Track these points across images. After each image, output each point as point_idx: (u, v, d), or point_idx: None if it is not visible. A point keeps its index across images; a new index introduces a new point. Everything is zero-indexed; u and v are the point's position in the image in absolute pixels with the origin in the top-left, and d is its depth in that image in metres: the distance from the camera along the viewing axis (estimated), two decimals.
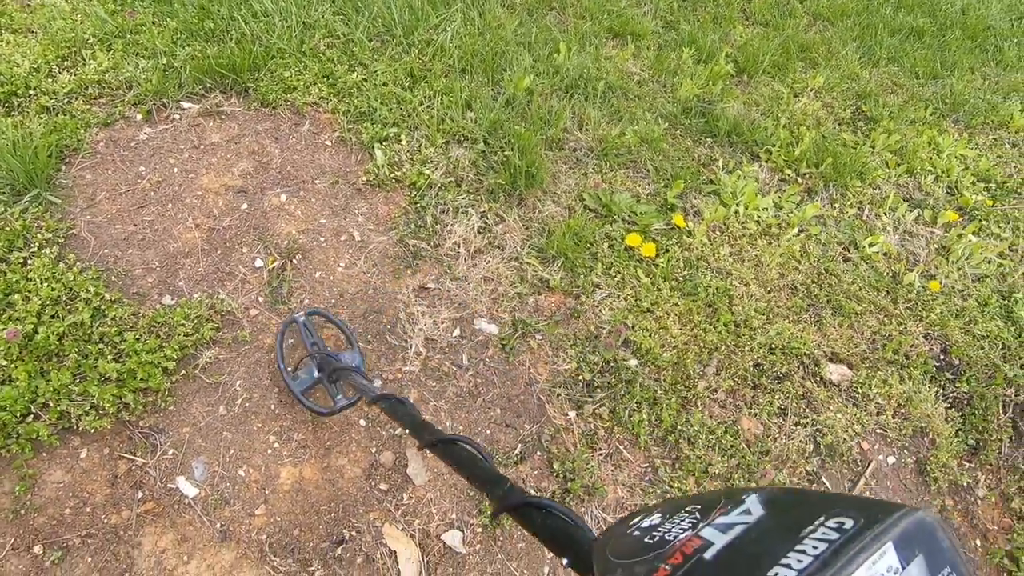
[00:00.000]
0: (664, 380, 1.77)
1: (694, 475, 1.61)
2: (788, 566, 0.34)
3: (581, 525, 0.58)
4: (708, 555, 0.40)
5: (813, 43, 3.08)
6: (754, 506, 0.42)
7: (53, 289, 1.65)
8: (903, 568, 0.33)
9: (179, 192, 2.02)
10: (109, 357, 1.61)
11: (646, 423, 1.69)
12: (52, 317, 1.63)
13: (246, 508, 1.55)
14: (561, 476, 1.63)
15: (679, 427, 1.69)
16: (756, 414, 1.76)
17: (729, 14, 3.18)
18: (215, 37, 2.43)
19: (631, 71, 2.77)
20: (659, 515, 0.47)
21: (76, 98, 2.16)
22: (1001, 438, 1.91)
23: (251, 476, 1.59)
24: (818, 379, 1.87)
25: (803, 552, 0.34)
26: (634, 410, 1.71)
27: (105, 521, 1.48)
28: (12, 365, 1.52)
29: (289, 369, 1.66)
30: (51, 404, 1.51)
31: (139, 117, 2.18)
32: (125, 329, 1.67)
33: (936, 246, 2.29)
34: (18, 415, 1.47)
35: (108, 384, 1.57)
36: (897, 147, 2.60)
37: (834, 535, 0.34)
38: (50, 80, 2.17)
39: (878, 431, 1.83)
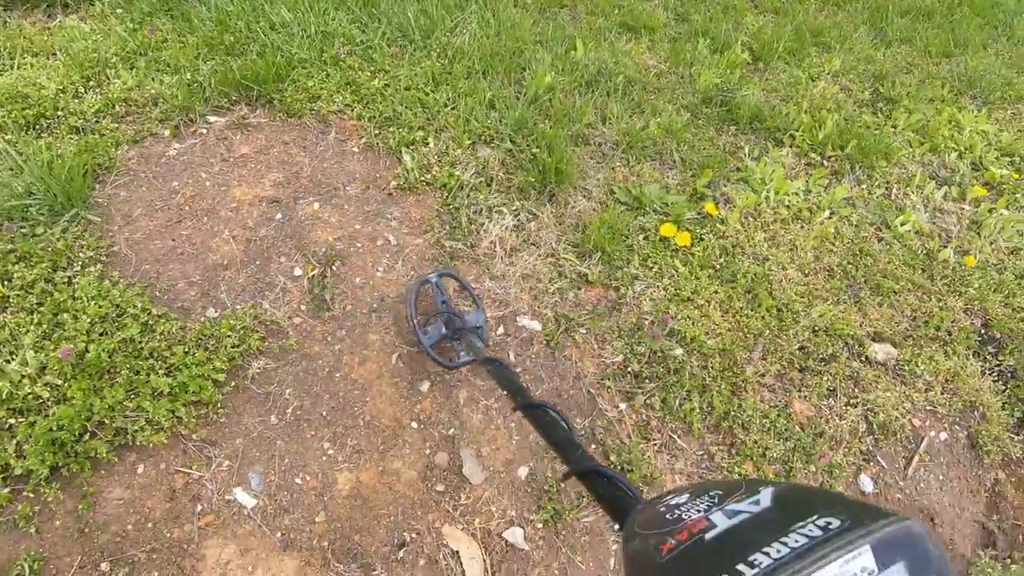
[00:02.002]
0: (712, 367, 1.77)
1: (752, 459, 1.61)
2: (768, 554, 0.36)
3: (638, 497, 0.63)
4: (708, 536, 0.43)
5: (824, 27, 3.09)
6: (765, 498, 0.44)
7: (100, 307, 1.65)
8: (879, 571, 0.34)
9: (213, 205, 2.02)
10: (160, 372, 1.61)
11: (698, 411, 1.69)
12: (102, 334, 1.63)
13: (306, 516, 1.55)
14: (618, 468, 1.63)
15: (732, 413, 1.69)
16: (806, 396, 1.76)
17: (739, 3, 3.19)
18: (236, 50, 2.44)
19: (648, 64, 2.78)
20: (687, 495, 0.50)
21: (104, 117, 2.16)
22: None
23: (308, 483, 1.59)
24: (864, 359, 1.87)
25: (785, 544, 0.37)
26: (685, 399, 1.71)
27: (167, 535, 1.47)
28: (67, 384, 1.52)
29: (418, 323, 1.70)
30: (107, 421, 1.51)
31: (167, 133, 2.19)
32: (174, 343, 1.67)
33: (967, 222, 2.30)
34: (76, 434, 1.47)
35: (161, 399, 1.57)
36: (919, 126, 2.61)
37: (817, 532, 0.36)
38: (77, 101, 2.18)
39: (928, 408, 1.83)
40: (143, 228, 1.91)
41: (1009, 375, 1.95)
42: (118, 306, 1.68)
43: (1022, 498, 1.80)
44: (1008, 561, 1.67)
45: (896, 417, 1.76)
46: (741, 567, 0.36)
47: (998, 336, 2.01)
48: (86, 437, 1.50)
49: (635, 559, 0.47)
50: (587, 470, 0.71)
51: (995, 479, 1.79)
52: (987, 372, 1.93)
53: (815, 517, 0.39)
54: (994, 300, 2.05)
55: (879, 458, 1.72)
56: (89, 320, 1.62)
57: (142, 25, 2.52)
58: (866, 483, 1.67)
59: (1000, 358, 1.97)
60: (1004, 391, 1.92)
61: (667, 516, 0.48)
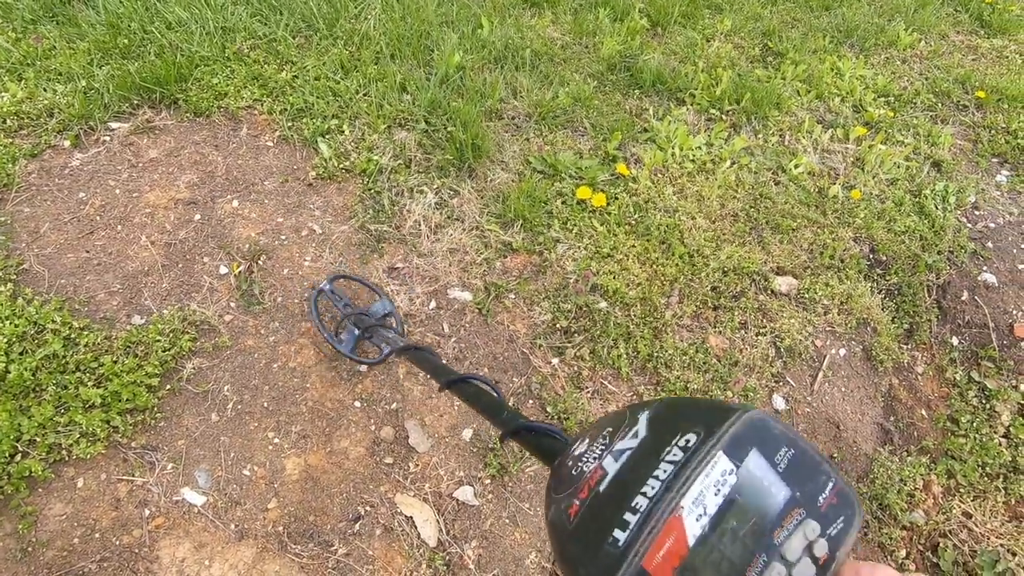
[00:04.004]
0: (634, 315, 1.90)
1: (674, 392, 1.74)
2: (645, 494, 0.40)
3: (568, 440, 0.66)
4: (602, 487, 0.45)
5: None
6: (642, 427, 0.47)
7: (17, 325, 1.60)
8: (737, 468, 0.38)
9: (126, 213, 1.98)
10: (89, 383, 1.59)
11: (624, 356, 1.81)
12: (22, 354, 1.59)
13: (258, 504, 1.57)
14: (555, 417, 1.73)
15: (655, 355, 1.82)
16: (721, 331, 1.91)
17: None
18: (132, 53, 2.36)
19: (553, 37, 2.86)
20: (587, 441, 0.52)
21: None
22: (930, 319, 2.14)
23: (257, 474, 1.61)
24: (770, 292, 2.04)
25: (657, 478, 0.40)
26: (611, 347, 1.83)
27: (117, 543, 1.47)
28: None
29: (331, 333, 1.73)
30: (38, 439, 1.49)
31: (67, 144, 2.11)
32: (101, 353, 1.64)
33: (852, 159, 2.51)
34: (6, 455, 1.45)
35: (94, 410, 1.55)
36: (804, 76, 2.81)
37: (680, 455, 0.40)
38: None
39: (827, 329, 2.02)
40: (53, 242, 1.86)
41: (896, 292, 2.18)
42: (35, 323, 1.64)
43: (914, 399, 2.03)
44: (904, 454, 1.88)
45: (800, 340, 1.94)
46: (627, 516, 0.39)
47: (884, 259, 2.23)
48: (18, 457, 1.47)
49: (554, 528, 0.48)
50: (515, 428, 0.73)
51: (889, 384, 2.01)
52: (876, 292, 2.14)
53: (678, 437, 0.42)
54: (878, 227, 2.27)
55: (788, 379, 1.89)
56: (6, 340, 1.58)
57: (25, 34, 2.40)
58: (779, 402, 1.85)
59: (887, 278, 2.19)
60: (892, 307, 2.14)
61: (572, 472, 0.50)
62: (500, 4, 2.96)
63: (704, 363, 1.82)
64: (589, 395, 1.77)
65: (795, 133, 2.56)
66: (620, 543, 0.38)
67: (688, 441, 0.41)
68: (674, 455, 0.40)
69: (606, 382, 1.80)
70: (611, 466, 0.46)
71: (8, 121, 2.10)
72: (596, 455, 0.48)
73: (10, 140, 2.07)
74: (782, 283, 2.05)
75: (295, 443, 1.67)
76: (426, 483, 1.66)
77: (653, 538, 0.37)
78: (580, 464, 0.49)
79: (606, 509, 0.42)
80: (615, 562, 0.38)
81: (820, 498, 0.40)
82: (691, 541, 0.37)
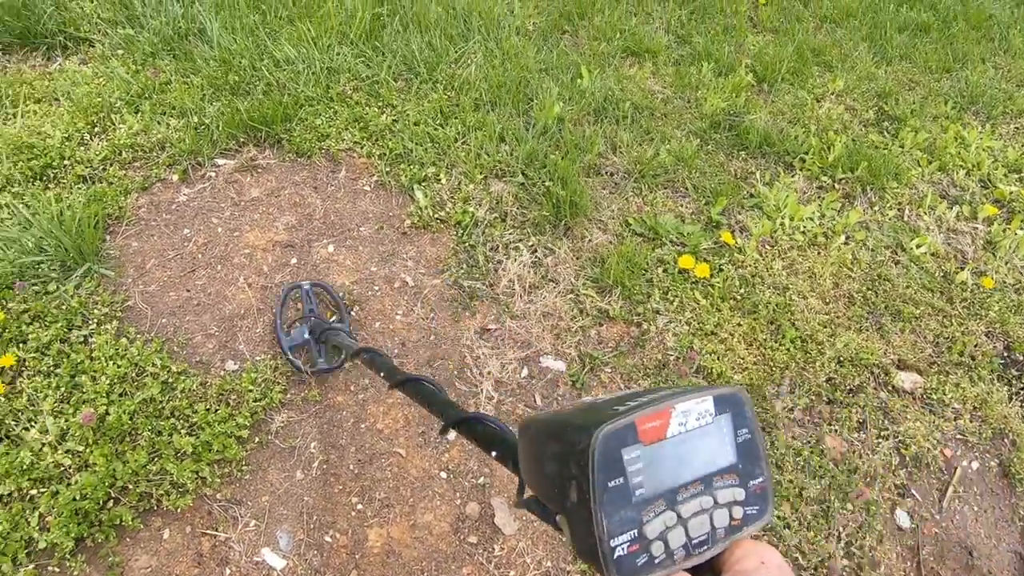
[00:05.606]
0: None
1: (788, 500, 1.59)
2: (622, 401, 0.47)
3: (506, 431, 0.73)
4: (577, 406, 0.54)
5: (825, 46, 3.11)
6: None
7: (119, 366, 1.61)
8: (715, 416, 0.46)
9: (227, 252, 1.99)
10: (183, 431, 1.57)
11: None
12: (121, 395, 1.59)
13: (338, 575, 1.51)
14: None
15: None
16: (837, 431, 1.74)
17: (738, 23, 3.20)
18: (241, 90, 2.41)
19: (653, 89, 2.78)
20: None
21: (111, 164, 2.13)
22: None
23: (339, 541, 1.55)
24: (891, 388, 1.86)
25: (649, 395, 0.48)
26: None
27: None
28: (88, 450, 1.48)
29: (284, 327, 1.79)
30: (130, 486, 1.48)
31: (175, 178, 2.16)
32: (195, 400, 1.63)
33: (982, 242, 2.30)
34: (100, 502, 1.43)
35: (185, 459, 1.53)
36: (925, 145, 2.62)
37: (668, 391, 0.48)
38: (83, 148, 2.15)
39: (958, 437, 1.82)
40: (157, 279, 1.88)
41: None
42: (136, 364, 1.64)
43: None
44: None
45: (928, 448, 1.75)
46: (617, 407, 0.46)
47: (1021, 359, 2.01)
48: (110, 504, 1.46)
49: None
50: (458, 419, 0.79)
51: None
52: (1014, 397, 1.92)
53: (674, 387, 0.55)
54: (1014, 322, 2.05)
55: (913, 491, 1.70)
56: (108, 381, 1.58)
57: (144, 66, 2.49)
58: (902, 518, 1.66)
59: None
60: None
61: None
62: (599, 52, 2.90)
63: (820, 467, 1.65)
64: None
65: (916, 208, 2.37)
66: (620, 409, 0.45)
67: (685, 388, 0.49)
68: (671, 390, 0.48)
69: None
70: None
71: (124, 153, 2.16)
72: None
73: (124, 172, 2.13)
74: (905, 379, 1.86)
75: (378, 512, 1.60)
76: (511, 570, 1.56)
77: (648, 409, 0.44)
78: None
79: (606, 406, 0.48)
80: (613, 413, 0.44)
81: (752, 482, 0.47)
82: (668, 433, 0.45)
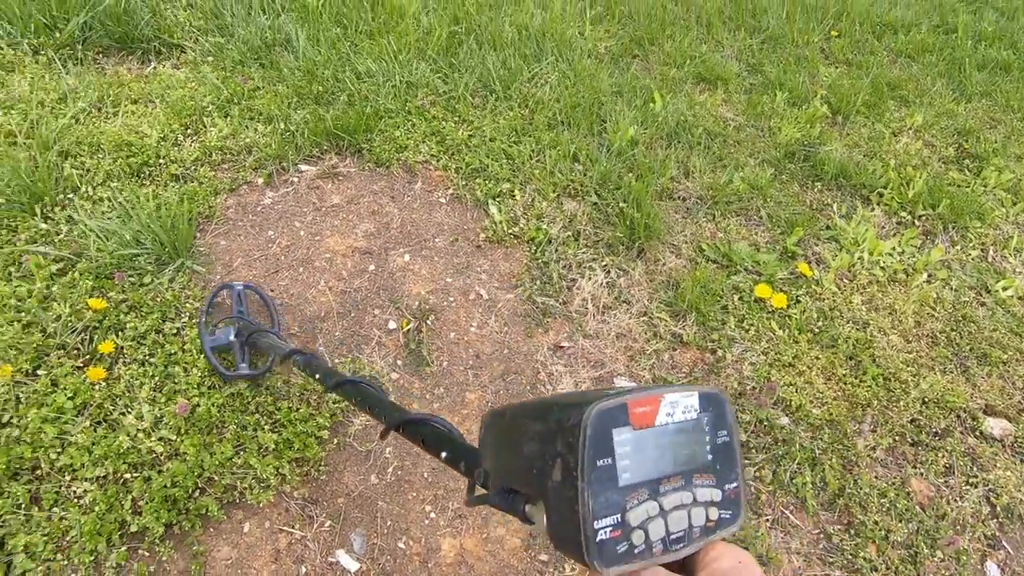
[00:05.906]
0: (821, 439, 1.71)
1: (875, 542, 1.53)
2: (612, 392, 0.46)
3: (454, 431, 0.71)
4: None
5: (901, 81, 3.07)
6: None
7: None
8: (699, 413, 0.46)
9: (308, 255, 2.04)
10: (266, 427, 1.60)
11: (810, 486, 1.63)
12: (211, 388, 1.63)
13: None
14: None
15: (848, 490, 1.62)
16: (923, 474, 1.68)
17: (810, 54, 3.19)
18: (324, 99, 2.50)
19: (725, 116, 2.77)
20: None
21: (202, 165, 2.22)
22: None
23: (412, 548, 1.55)
24: (979, 434, 1.79)
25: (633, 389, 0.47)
26: (796, 472, 1.65)
27: None
28: (179, 439, 1.52)
29: (208, 326, 1.72)
30: (216, 478, 1.51)
31: (260, 181, 2.23)
32: (279, 398, 1.67)
33: None
34: (188, 490, 1.47)
35: (267, 455, 1.56)
36: (1009, 185, 2.55)
37: (653, 385, 0.49)
38: (176, 148, 2.24)
39: None
40: (244, 278, 1.93)
41: None
42: (224, 359, 1.69)
43: None
44: None
45: (1020, 499, 1.67)
46: (608, 391, 0.45)
47: None
48: (196, 494, 1.49)
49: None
50: (403, 421, 0.77)
51: None
52: None
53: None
54: None
55: (1005, 543, 1.63)
56: (199, 373, 1.63)
57: (233, 73, 2.60)
58: (992, 571, 1.58)
59: None
60: None
61: None
62: (670, 78, 2.92)
63: (907, 510, 1.59)
64: (768, 524, 1.60)
65: (1000, 249, 2.30)
66: (611, 392, 0.45)
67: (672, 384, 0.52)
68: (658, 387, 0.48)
69: (788, 512, 1.62)
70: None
71: (214, 155, 2.25)
72: None
73: (213, 173, 2.21)
74: (994, 426, 1.79)
75: (451, 522, 1.60)
76: None
77: (640, 393, 0.45)
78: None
79: (593, 392, 0.48)
80: (604, 395, 0.44)
81: (727, 485, 0.47)
82: (656, 421, 0.45)
